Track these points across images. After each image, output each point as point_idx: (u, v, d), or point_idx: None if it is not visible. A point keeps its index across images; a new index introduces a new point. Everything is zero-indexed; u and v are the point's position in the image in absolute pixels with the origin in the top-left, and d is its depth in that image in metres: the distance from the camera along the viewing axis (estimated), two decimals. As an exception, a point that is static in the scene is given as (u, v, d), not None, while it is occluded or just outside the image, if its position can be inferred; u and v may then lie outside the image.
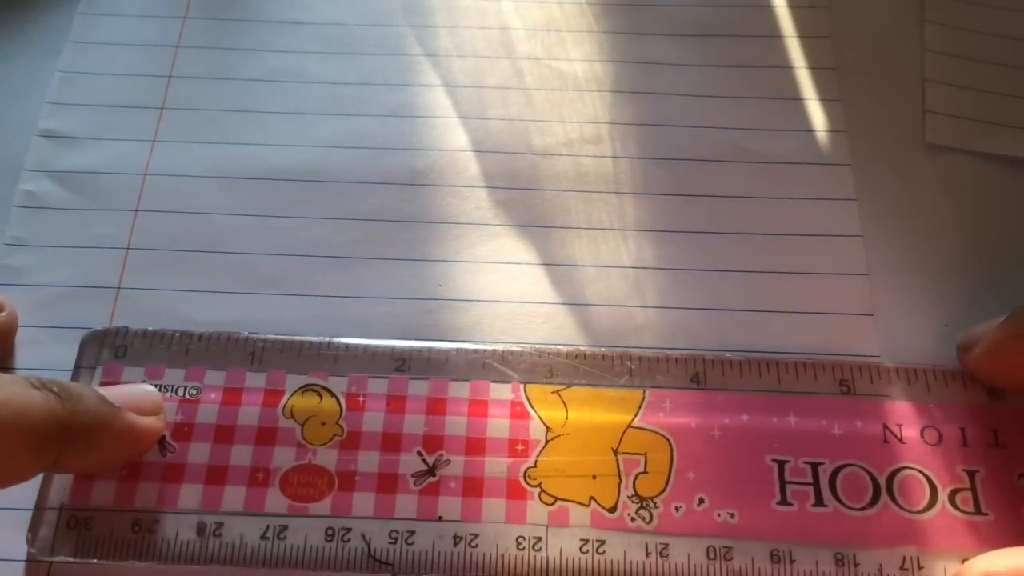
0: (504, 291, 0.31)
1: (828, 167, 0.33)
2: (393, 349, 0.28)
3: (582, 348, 0.29)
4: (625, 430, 0.27)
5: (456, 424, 0.27)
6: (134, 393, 0.26)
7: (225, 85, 0.35)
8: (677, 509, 0.26)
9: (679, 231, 0.32)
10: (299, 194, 0.32)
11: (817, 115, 0.34)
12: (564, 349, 0.29)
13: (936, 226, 0.32)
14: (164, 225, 0.32)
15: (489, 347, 0.29)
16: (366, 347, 0.28)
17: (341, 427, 0.27)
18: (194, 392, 0.27)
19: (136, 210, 0.32)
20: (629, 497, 0.26)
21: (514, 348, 0.29)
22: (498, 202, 0.33)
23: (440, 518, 0.26)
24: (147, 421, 0.25)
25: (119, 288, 0.30)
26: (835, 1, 0.37)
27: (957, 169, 0.33)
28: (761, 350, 0.30)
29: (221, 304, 0.30)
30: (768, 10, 0.37)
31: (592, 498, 0.26)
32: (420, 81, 0.35)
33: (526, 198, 0.33)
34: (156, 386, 0.27)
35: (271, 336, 0.29)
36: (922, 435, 0.27)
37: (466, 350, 0.29)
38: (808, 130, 0.34)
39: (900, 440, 0.27)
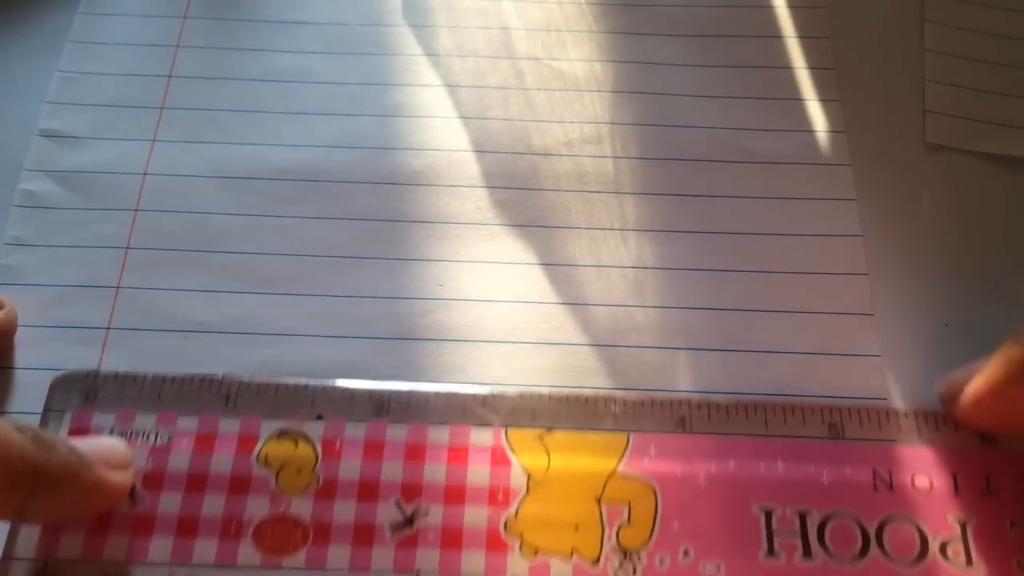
0: (504, 291, 0.31)
1: (828, 167, 0.33)
2: (372, 392, 0.27)
3: (564, 390, 0.28)
4: (609, 477, 0.26)
5: (435, 471, 0.26)
6: (104, 446, 0.25)
7: (225, 85, 0.35)
8: (661, 562, 0.25)
9: (679, 231, 0.32)
10: (299, 194, 0.32)
11: (817, 115, 0.34)
12: (546, 391, 0.28)
13: (936, 226, 0.32)
14: (164, 225, 0.32)
15: (470, 390, 0.28)
16: (344, 390, 0.28)
17: (317, 475, 0.26)
18: (165, 439, 0.27)
19: (136, 210, 0.32)
20: (612, 549, 0.25)
21: (496, 391, 0.28)
22: (498, 202, 0.33)
23: (418, 572, 0.25)
24: (115, 476, 0.25)
25: (119, 288, 0.30)
26: (835, 1, 0.37)
27: (957, 169, 0.33)
28: (761, 349, 0.30)
29: (221, 304, 0.30)
30: (768, 10, 0.37)
31: (574, 550, 0.25)
32: (420, 81, 0.35)
33: (526, 198, 0.33)
34: (127, 432, 0.27)
35: (246, 378, 0.28)
36: (912, 482, 0.26)
37: (447, 393, 0.28)
38: (808, 130, 0.34)
39: (890, 487, 0.26)
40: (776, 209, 0.32)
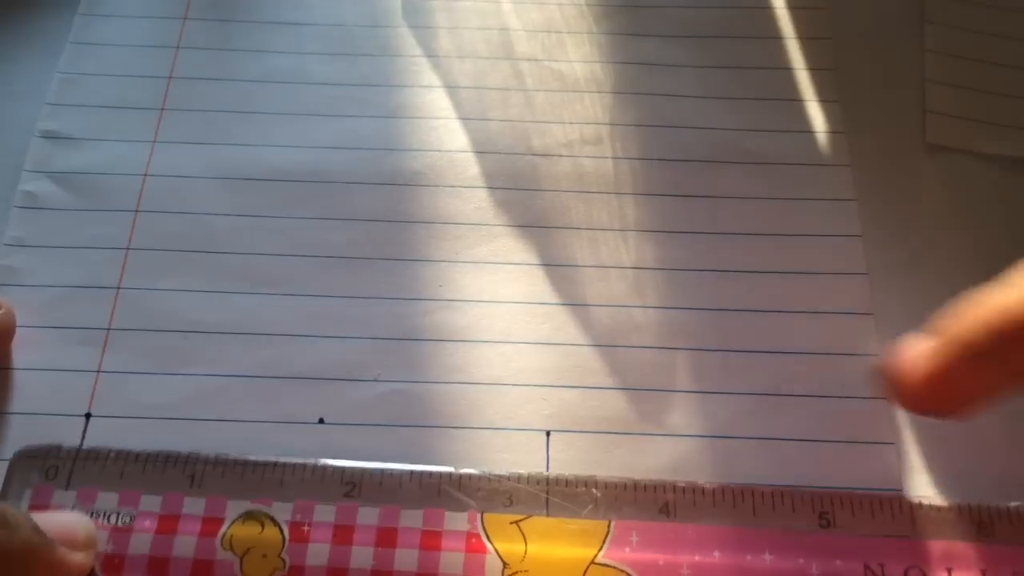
0: (504, 292, 0.31)
1: (828, 168, 0.33)
2: (343, 472, 0.26)
3: (544, 473, 0.27)
4: (588, 567, 0.25)
5: (407, 558, 0.25)
6: (68, 523, 0.25)
7: (225, 86, 0.35)
8: None
9: (679, 232, 0.32)
10: (299, 195, 0.32)
11: (817, 116, 0.34)
12: (525, 473, 0.27)
13: (936, 226, 0.32)
14: (164, 225, 0.32)
15: (445, 471, 0.27)
16: (314, 469, 0.26)
17: (283, 560, 0.25)
18: (127, 519, 0.25)
19: (136, 211, 0.32)
20: None
21: (472, 473, 0.27)
22: (498, 203, 0.33)
23: None
24: (77, 557, 0.24)
25: (119, 288, 0.30)
26: (835, 2, 0.37)
27: (957, 169, 0.33)
28: (761, 349, 0.30)
29: (221, 304, 0.30)
30: (768, 11, 0.37)
31: None
32: (420, 82, 0.35)
33: (526, 199, 0.33)
34: (88, 512, 0.26)
35: (212, 457, 0.27)
36: None
37: (421, 474, 0.26)
38: (808, 131, 0.34)
39: None
40: (776, 209, 0.32)
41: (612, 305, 0.31)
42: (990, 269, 0.31)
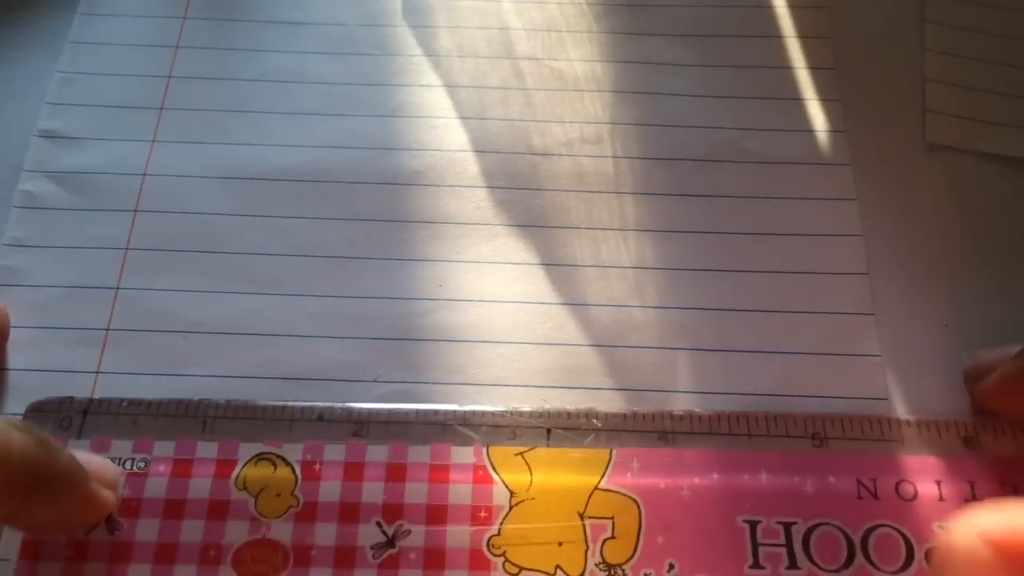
0: (504, 291, 0.31)
1: (828, 167, 0.33)
2: (351, 413, 0.27)
3: (546, 406, 0.28)
4: (592, 493, 0.26)
5: (416, 491, 0.26)
6: (96, 463, 0.25)
7: (225, 85, 0.35)
8: None
9: (679, 231, 0.32)
10: (299, 194, 0.32)
11: (817, 115, 0.34)
12: (527, 408, 0.28)
13: (936, 226, 0.32)
14: (163, 225, 0.32)
15: (450, 408, 0.28)
16: (322, 411, 0.27)
17: (296, 498, 0.26)
18: (142, 465, 0.26)
19: (135, 210, 0.32)
20: (597, 564, 0.25)
21: (476, 409, 0.28)
22: (498, 202, 0.33)
23: None
24: (106, 493, 0.25)
25: (118, 288, 0.30)
26: (835, 1, 0.37)
27: (957, 169, 0.33)
28: (761, 349, 0.30)
29: (220, 304, 0.30)
30: (768, 10, 0.37)
31: (558, 567, 0.25)
32: (420, 81, 0.35)
33: (526, 198, 0.33)
34: None
35: (222, 402, 0.28)
36: (897, 490, 0.26)
37: (426, 412, 0.27)
38: (808, 130, 0.34)
39: (875, 495, 0.26)
40: (776, 209, 0.32)
41: (612, 305, 0.31)
42: (990, 269, 0.32)
